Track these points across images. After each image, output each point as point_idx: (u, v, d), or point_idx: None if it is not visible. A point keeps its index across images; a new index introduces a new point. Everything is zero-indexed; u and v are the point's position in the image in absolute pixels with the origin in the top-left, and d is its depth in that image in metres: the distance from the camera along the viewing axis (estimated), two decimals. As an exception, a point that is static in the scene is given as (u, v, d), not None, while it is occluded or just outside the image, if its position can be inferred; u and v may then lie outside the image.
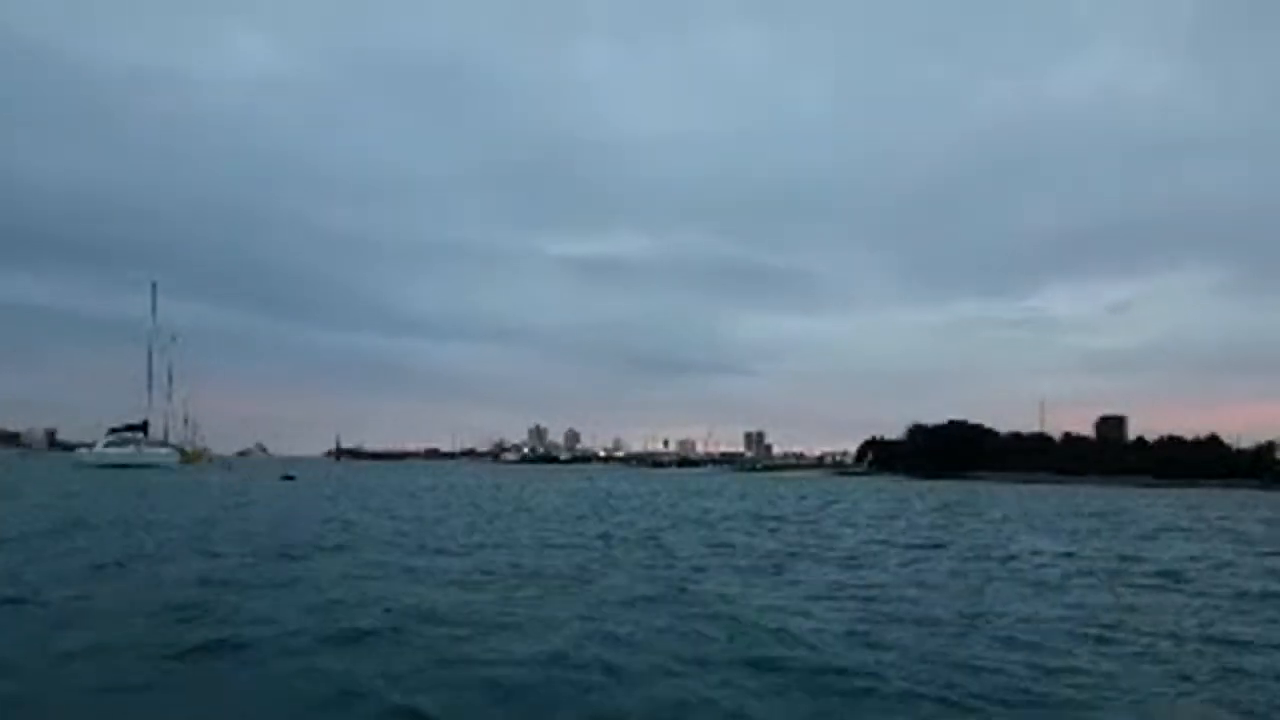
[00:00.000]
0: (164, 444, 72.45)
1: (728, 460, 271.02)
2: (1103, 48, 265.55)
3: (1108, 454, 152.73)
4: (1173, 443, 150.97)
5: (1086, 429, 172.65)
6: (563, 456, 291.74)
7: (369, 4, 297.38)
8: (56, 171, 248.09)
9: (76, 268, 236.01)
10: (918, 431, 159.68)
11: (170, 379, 76.84)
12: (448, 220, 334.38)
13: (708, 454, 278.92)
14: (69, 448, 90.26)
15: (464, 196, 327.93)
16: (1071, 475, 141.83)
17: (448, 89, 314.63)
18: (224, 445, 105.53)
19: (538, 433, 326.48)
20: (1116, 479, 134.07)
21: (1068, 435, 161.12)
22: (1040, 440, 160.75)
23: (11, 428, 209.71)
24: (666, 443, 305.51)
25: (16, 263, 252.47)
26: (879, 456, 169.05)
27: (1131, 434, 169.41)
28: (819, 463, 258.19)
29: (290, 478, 57.53)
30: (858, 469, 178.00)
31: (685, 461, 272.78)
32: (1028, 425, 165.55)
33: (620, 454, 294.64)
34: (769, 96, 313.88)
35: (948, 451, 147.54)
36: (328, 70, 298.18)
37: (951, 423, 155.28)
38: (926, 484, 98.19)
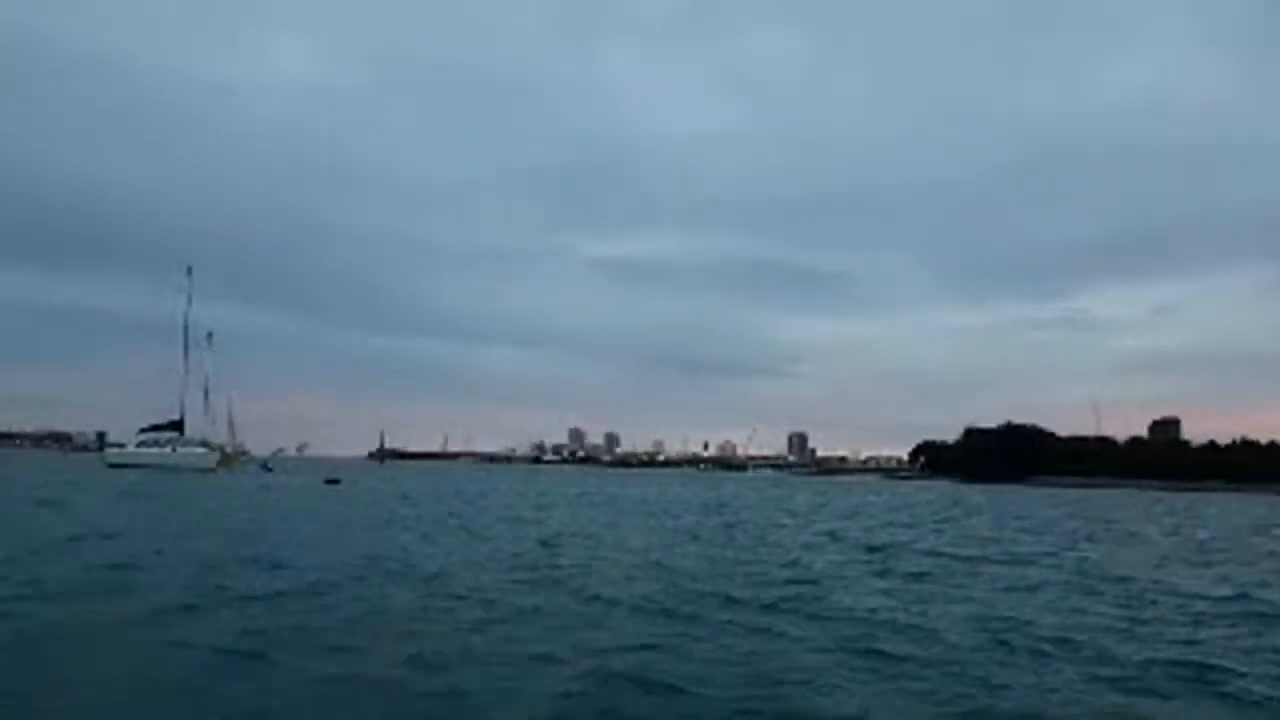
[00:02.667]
0: (200, 443, 70.25)
1: (770, 464, 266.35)
2: (1145, 49, 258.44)
3: (1175, 457, 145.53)
4: (1246, 446, 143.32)
5: (1137, 431, 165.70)
6: (604, 459, 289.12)
7: (407, 14, 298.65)
8: (109, 178, 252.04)
9: (126, 272, 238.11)
10: (973, 434, 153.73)
11: (207, 376, 74.80)
12: (485, 224, 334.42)
13: (749, 457, 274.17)
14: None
15: (501, 200, 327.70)
16: (1136, 479, 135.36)
17: (484, 95, 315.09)
18: (263, 446, 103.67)
19: (577, 435, 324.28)
20: (1185, 483, 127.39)
21: (1134, 439, 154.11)
22: (1102, 443, 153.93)
23: (63, 428, 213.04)
24: (706, 445, 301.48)
25: (70, 267, 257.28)
26: (932, 460, 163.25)
27: (1184, 437, 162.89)
28: (864, 466, 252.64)
29: (335, 481, 52.59)
30: (909, 472, 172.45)
31: (728, 464, 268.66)
32: (1076, 428, 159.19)
33: (661, 457, 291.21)
34: (804, 97, 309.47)
35: (1005, 455, 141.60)
36: (368, 78, 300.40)
37: (1009, 425, 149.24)
38: (1001, 489, 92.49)
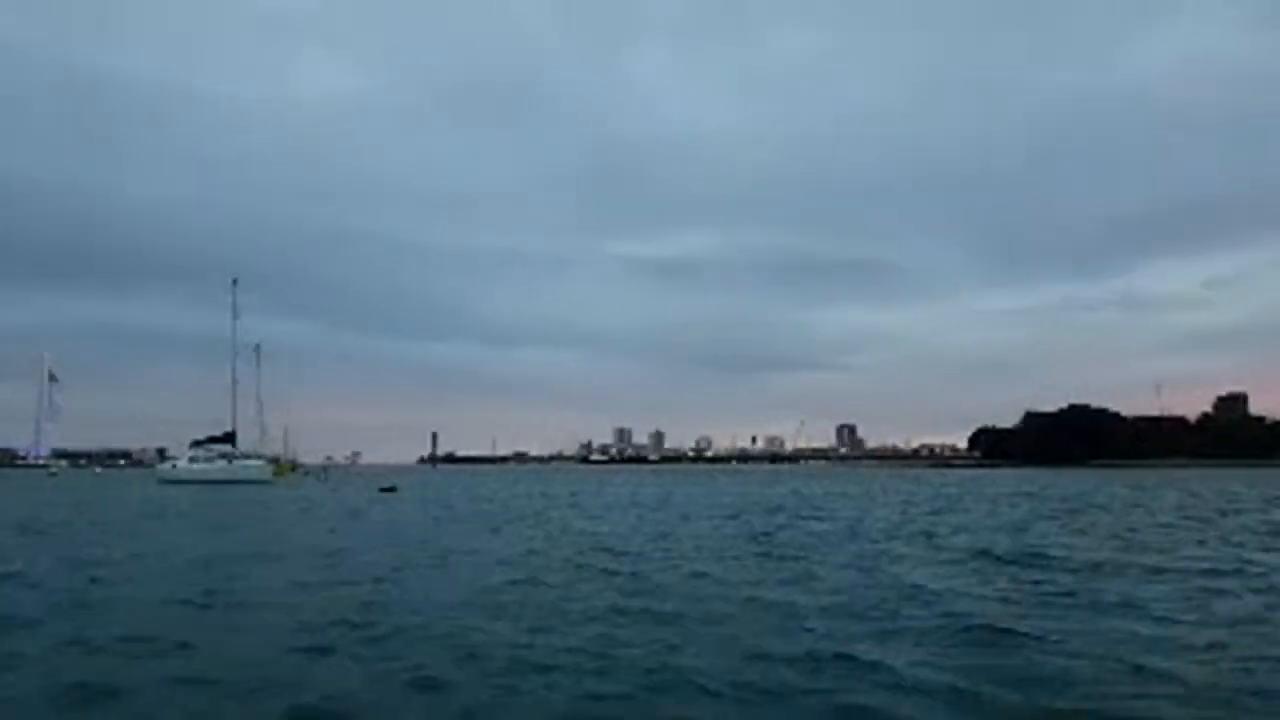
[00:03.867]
0: (254, 456, 69.63)
1: (821, 455, 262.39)
2: (1178, 20, 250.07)
3: (1251, 434, 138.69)
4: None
5: (1200, 409, 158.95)
6: (651, 456, 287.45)
7: (433, 26, 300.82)
8: (158, 200, 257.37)
9: (177, 291, 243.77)
10: (1034, 418, 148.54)
11: (258, 388, 74.50)
12: (521, 229, 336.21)
13: (798, 450, 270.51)
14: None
15: (539, 205, 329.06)
16: (1207, 458, 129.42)
17: (513, 102, 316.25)
18: (314, 456, 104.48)
19: (623, 434, 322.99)
20: (1265, 461, 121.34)
21: (1205, 416, 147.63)
22: (1171, 423, 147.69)
23: (125, 445, 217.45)
24: (755, 439, 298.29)
25: (124, 288, 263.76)
26: (992, 446, 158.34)
27: (1253, 412, 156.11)
28: (916, 454, 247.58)
29: (391, 489, 49.50)
30: (967, 460, 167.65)
31: (777, 458, 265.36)
32: (1135, 408, 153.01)
33: (709, 453, 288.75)
34: (833, 88, 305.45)
35: (1070, 438, 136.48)
36: (401, 91, 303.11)
37: (1072, 407, 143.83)
38: (1083, 473, 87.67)
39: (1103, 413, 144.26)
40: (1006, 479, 70.71)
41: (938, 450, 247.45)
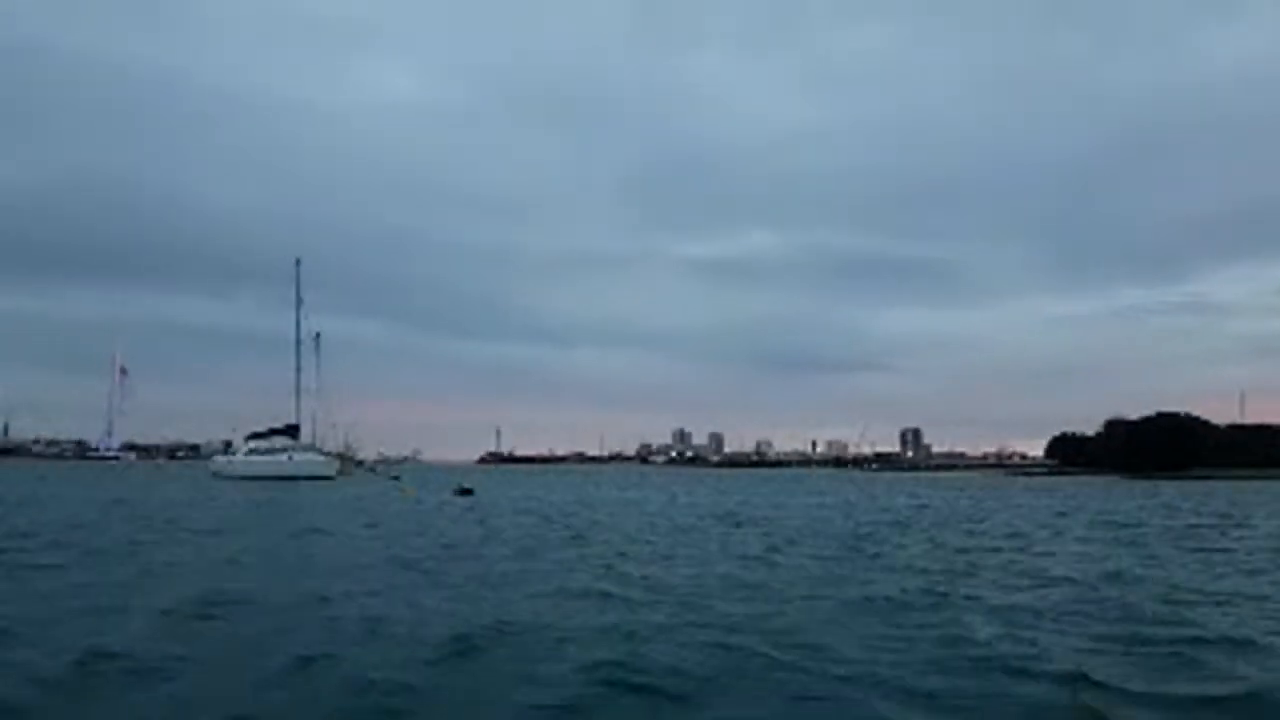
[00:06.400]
0: (315, 450, 67.89)
1: (884, 461, 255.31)
2: (1255, 13, 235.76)
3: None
4: None
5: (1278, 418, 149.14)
6: (712, 459, 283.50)
7: (497, 30, 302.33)
8: (227, 200, 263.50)
9: (251, 288, 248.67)
10: (1117, 426, 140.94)
11: (317, 377, 73.08)
12: (580, 230, 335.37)
13: (860, 455, 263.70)
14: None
15: (601, 206, 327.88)
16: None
17: (576, 103, 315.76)
18: (372, 451, 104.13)
19: (682, 436, 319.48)
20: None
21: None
22: (1270, 432, 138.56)
23: (193, 439, 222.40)
24: (815, 444, 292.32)
25: (193, 285, 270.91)
26: (1072, 454, 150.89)
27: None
28: (983, 461, 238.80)
29: (468, 491, 44.70)
30: (1043, 468, 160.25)
31: (840, 462, 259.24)
32: (1213, 415, 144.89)
33: (771, 456, 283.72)
34: (893, 87, 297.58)
35: (1157, 448, 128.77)
36: (462, 95, 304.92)
37: (1160, 415, 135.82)
38: (1196, 485, 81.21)
39: (1193, 420, 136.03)
40: (1167, 491, 62.84)
41: (1007, 457, 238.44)
